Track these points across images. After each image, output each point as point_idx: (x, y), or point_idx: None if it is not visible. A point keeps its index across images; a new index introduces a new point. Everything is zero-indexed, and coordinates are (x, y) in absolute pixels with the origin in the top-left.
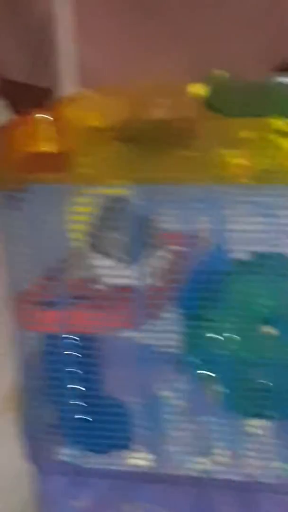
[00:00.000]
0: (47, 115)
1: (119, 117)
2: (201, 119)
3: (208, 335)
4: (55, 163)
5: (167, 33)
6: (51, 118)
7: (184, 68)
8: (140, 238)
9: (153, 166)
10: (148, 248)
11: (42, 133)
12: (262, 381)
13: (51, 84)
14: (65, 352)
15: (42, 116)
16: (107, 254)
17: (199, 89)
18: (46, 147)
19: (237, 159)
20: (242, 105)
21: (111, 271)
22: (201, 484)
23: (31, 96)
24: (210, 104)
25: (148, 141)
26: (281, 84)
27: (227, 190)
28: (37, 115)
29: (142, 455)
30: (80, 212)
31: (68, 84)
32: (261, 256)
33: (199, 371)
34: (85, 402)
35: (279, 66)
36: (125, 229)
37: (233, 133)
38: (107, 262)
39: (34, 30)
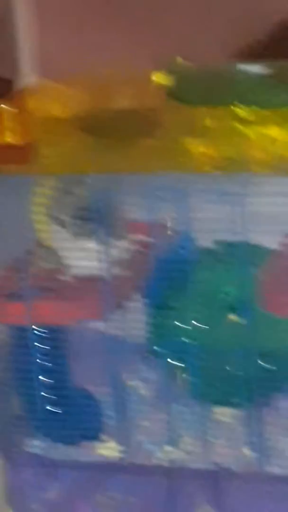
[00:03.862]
0: (9, 106)
1: (82, 107)
2: (165, 108)
3: (175, 324)
4: (18, 154)
5: (128, 21)
6: (14, 109)
7: (145, 57)
8: (102, 223)
9: (117, 156)
10: (113, 238)
11: (5, 124)
12: (229, 369)
13: (12, 75)
14: (33, 344)
15: (4, 107)
16: (62, 224)
17: (162, 78)
18: (9, 138)
19: (201, 148)
20: (206, 94)
21: (68, 244)
22: (172, 473)
23: None
24: (174, 93)
25: (112, 130)
26: (244, 72)
27: (192, 179)
28: (1, 106)
29: (112, 445)
30: (43, 202)
31: (27, 74)
32: (227, 244)
33: (166, 360)
34: (53, 394)
35: (243, 52)
36: (82, 206)
37: (197, 121)
38: (64, 233)
39: None
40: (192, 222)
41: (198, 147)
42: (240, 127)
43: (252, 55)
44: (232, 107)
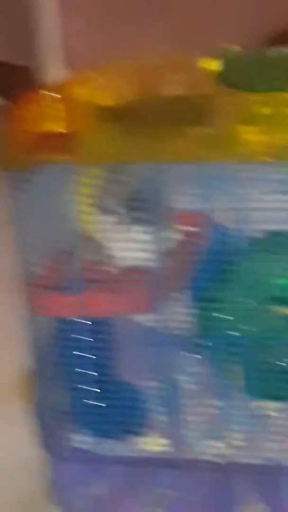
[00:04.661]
0: (54, 94)
1: (129, 94)
2: (216, 95)
3: (221, 316)
4: (63, 142)
5: (151, 9)
6: (59, 97)
7: (169, 43)
8: (150, 213)
9: (167, 144)
10: (161, 228)
11: (49, 113)
12: (277, 362)
13: (32, 63)
14: (78, 337)
15: (49, 95)
16: (109, 214)
17: (211, 64)
18: (54, 126)
19: (254, 136)
20: (258, 79)
21: (115, 235)
22: (219, 468)
23: (9, 75)
24: (225, 79)
25: (161, 118)
26: None
27: (244, 167)
28: (44, 94)
29: (158, 440)
30: (89, 192)
31: (51, 63)
32: (275, 234)
33: (213, 354)
34: (98, 387)
35: (272, 38)
36: (130, 196)
37: (251, 108)
38: (110, 223)
39: (12, 6)
40: (243, 212)
41: (251, 135)
42: None
43: (278, 41)
44: (284, 92)
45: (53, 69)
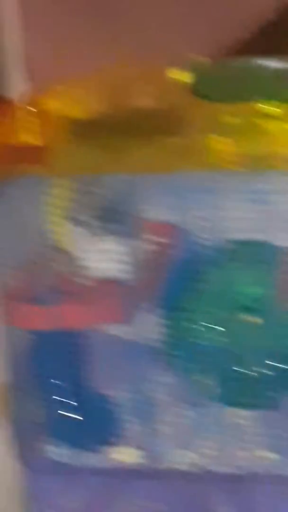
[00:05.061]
0: (27, 106)
1: (102, 107)
2: (188, 105)
3: (191, 326)
4: (35, 154)
5: (111, 26)
6: (32, 110)
7: (133, 57)
8: (122, 223)
9: (138, 155)
10: (132, 238)
11: (22, 125)
12: (246, 371)
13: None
14: (51, 349)
15: (21, 107)
16: (81, 225)
17: (179, 75)
18: (26, 138)
19: (224, 145)
20: (227, 90)
21: (87, 246)
22: (193, 478)
23: None
24: (194, 90)
25: (132, 129)
26: (263, 67)
27: (216, 177)
28: (17, 106)
29: (131, 451)
30: (60, 204)
31: (14, 80)
32: (245, 243)
33: (184, 363)
34: (73, 399)
35: (234, 48)
36: (102, 206)
37: (220, 118)
38: (82, 234)
39: None
40: (214, 221)
41: (221, 145)
42: (263, 123)
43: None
44: (254, 103)
45: (15, 84)
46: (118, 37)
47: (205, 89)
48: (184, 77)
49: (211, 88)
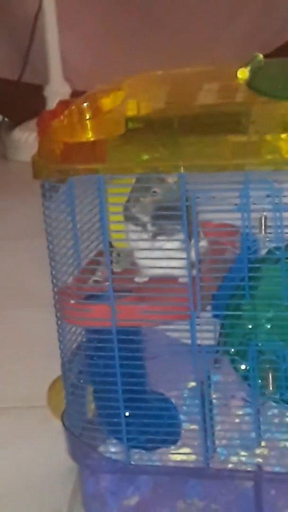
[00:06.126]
0: (85, 105)
1: (161, 104)
2: (252, 103)
3: (249, 325)
4: (94, 153)
5: (146, 25)
6: (89, 108)
7: (166, 59)
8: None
9: (204, 153)
10: (192, 238)
11: (79, 124)
12: None
13: (43, 81)
14: (107, 346)
15: (78, 104)
16: (141, 224)
17: (243, 73)
18: (84, 137)
19: None
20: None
21: (146, 245)
22: (251, 478)
23: (23, 94)
24: (255, 87)
25: (195, 128)
26: None
27: (278, 176)
28: (73, 105)
29: (190, 450)
30: (120, 202)
31: (56, 81)
32: None
33: (239, 363)
34: (131, 398)
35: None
36: (162, 205)
37: (286, 116)
38: (142, 233)
39: (23, 29)
40: (271, 220)
41: (286, 143)
42: None
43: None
44: None
45: (56, 85)
46: (161, 41)
47: (265, 85)
48: (246, 74)
49: (270, 84)
